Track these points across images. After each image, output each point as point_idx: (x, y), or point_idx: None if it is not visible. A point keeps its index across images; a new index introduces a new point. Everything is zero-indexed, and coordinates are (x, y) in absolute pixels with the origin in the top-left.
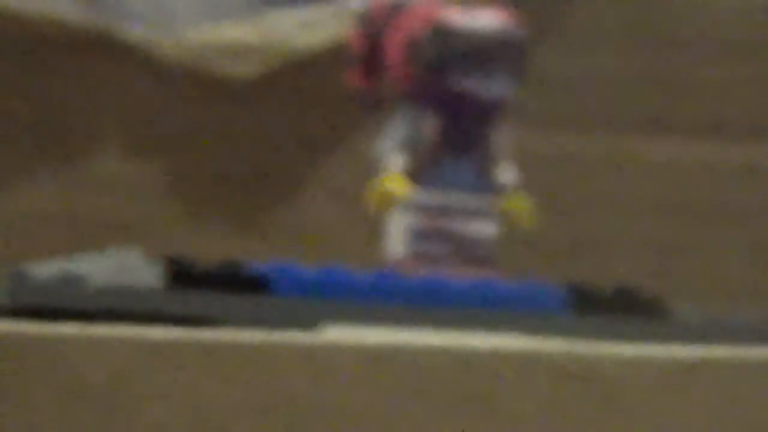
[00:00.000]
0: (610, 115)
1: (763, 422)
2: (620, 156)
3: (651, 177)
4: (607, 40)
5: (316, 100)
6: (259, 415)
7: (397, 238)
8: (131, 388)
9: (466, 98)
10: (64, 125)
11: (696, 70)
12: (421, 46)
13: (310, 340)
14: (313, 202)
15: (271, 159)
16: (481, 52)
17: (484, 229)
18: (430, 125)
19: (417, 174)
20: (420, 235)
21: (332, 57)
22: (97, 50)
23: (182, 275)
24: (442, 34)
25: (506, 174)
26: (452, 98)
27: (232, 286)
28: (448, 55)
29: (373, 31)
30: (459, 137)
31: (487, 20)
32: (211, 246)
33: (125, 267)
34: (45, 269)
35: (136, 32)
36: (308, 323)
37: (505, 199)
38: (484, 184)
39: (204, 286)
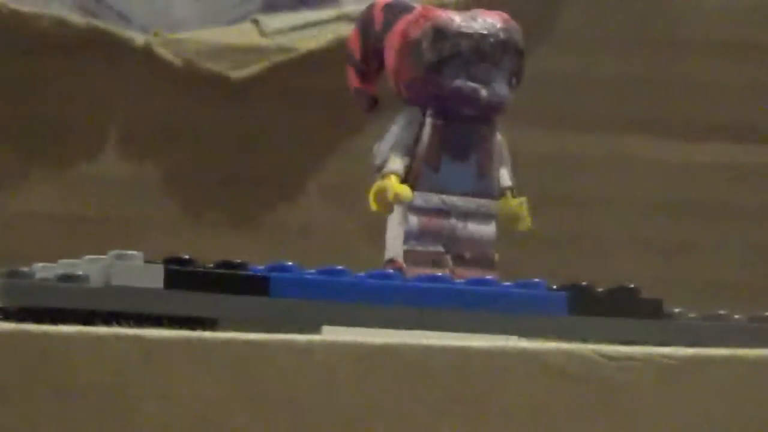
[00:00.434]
0: (610, 115)
1: (762, 422)
2: (620, 156)
3: (651, 177)
4: (606, 41)
5: (316, 100)
6: (259, 415)
7: (396, 238)
8: (131, 388)
9: (465, 99)
10: (64, 125)
11: (695, 71)
12: (421, 47)
13: (309, 341)
14: (313, 202)
15: (271, 159)
16: (480, 54)
17: (484, 229)
18: (429, 126)
19: (417, 174)
20: (420, 236)
21: (332, 57)
22: (97, 50)
23: (182, 275)
24: (442, 35)
25: (505, 175)
26: (451, 99)
27: (231, 287)
28: (447, 55)
29: (373, 32)
30: (458, 138)
31: (485, 22)
32: (211, 246)
33: (125, 267)
34: (44, 269)
35: (136, 32)
36: (307, 324)
37: (504, 199)
38: (483, 184)
39: (203, 286)
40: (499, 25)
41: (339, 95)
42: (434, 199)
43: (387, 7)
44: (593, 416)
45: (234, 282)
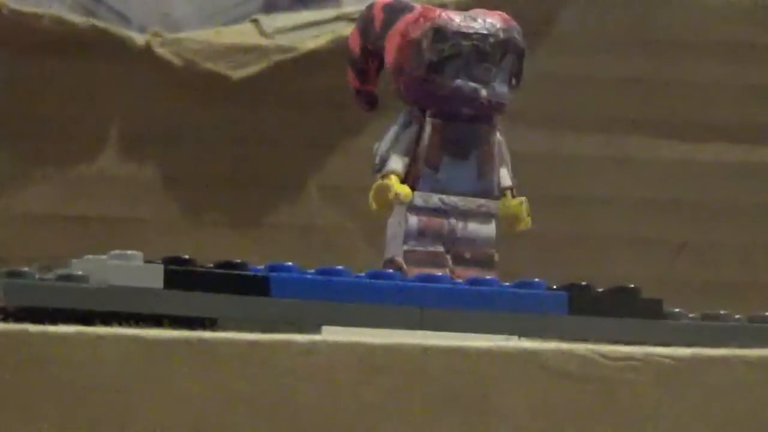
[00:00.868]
0: (610, 116)
1: (761, 422)
2: (620, 156)
3: (651, 177)
4: (606, 41)
5: (316, 100)
6: (259, 415)
7: (396, 238)
8: (130, 388)
9: (465, 99)
10: (64, 125)
11: (695, 71)
12: (421, 47)
13: (309, 341)
14: (313, 202)
15: (271, 159)
16: (480, 54)
17: (484, 229)
18: (429, 126)
19: (417, 174)
20: (419, 236)
21: (332, 57)
22: (97, 50)
23: (181, 275)
24: (442, 35)
25: (505, 175)
26: (451, 99)
27: (231, 287)
28: (447, 55)
29: (373, 32)
30: (458, 138)
31: (485, 22)
32: (211, 246)
33: (125, 267)
34: (44, 269)
35: (136, 32)
36: (308, 324)
37: (504, 199)
38: (483, 184)
39: (203, 286)
40: (499, 25)
41: (339, 95)
42: (434, 199)
43: (387, 7)
44: (593, 416)
45: (234, 282)
